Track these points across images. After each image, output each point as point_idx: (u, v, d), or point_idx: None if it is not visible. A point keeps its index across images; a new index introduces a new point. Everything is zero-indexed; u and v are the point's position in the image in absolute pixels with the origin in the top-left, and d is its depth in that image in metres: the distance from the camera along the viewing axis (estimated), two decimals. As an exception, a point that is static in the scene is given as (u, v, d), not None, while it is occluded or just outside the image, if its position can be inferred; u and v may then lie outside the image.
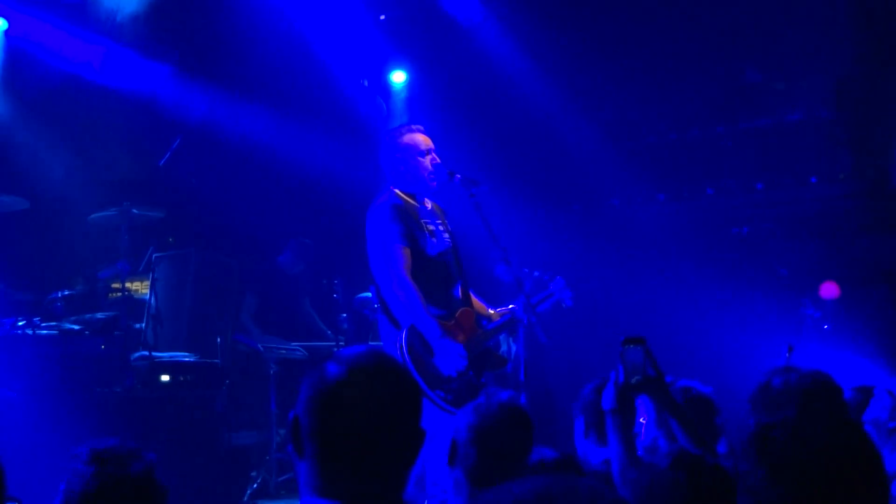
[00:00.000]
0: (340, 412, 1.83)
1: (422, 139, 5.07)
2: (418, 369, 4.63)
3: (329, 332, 8.12)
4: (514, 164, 8.94)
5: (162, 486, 2.62)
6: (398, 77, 9.02)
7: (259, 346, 7.25)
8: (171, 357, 6.84)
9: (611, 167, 9.49)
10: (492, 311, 5.21)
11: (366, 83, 8.88)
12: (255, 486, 7.00)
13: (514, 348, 5.05)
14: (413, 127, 5.16)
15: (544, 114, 9.08)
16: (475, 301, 5.19)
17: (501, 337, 5.27)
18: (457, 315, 4.95)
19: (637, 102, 9.53)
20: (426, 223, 5.01)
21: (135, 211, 7.08)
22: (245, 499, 6.84)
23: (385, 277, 4.85)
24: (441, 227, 5.13)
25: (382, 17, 8.67)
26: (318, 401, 1.85)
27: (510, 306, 5.08)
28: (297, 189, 8.87)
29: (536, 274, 5.66)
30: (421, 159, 5.01)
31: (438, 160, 5.04)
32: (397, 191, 5.04)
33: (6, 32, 7.43)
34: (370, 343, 6.89)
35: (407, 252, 4.84)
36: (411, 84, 9.04)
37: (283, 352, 7.29)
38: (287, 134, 8.64)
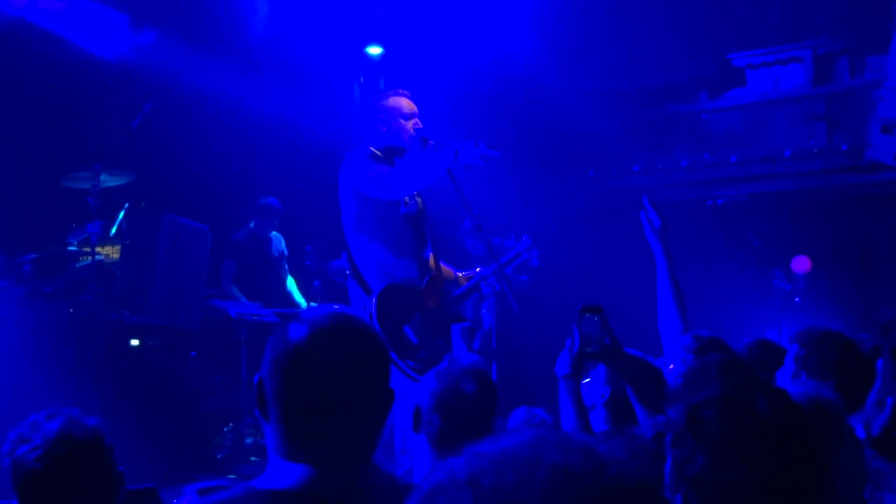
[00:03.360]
0: (303, 374, 1.81)
1: (406, 103, 5.09)
2: (389, 337, 4.61)
3: (303, 301, 8.12)
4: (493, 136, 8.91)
5: (107, 446, 2.61)
6: (374, 50, 8.97)
7: (231, 311, 7.22)
8: (141, 321, 6.79)
9: (588, 139, 9.51)
10: (459, 275, 5.22)
11: (361, 80, 8.84)
12: (225, 450, 7.00)
13: (485, 316, 5.06)
14: (400, 91, 5.16)
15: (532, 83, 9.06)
16: (443, 267, 5.19)
17: (474, 304, 5.28)
18: (427, 280, 4.94)
19: (614, 74, 9.54)
20: None
21: (105, 175, 7.02)
22: (215, 463, 6.83)
23: (378, 181, 4.81)
24: None
25: None
26: (281, 363, 1.83)
27: (477, 269, 5.09)
28: (271, 153, 8.83)
29: (509, 243, 5.66)
30: (403, 122, 5.02)
31: (421, 125, 5.04)
32: (372, 148, 5.03)
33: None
34: (337, 305, 6.87)
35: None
36: (387, 57, 8.99)
37: (256, 317, 7.26)
38: (262, 98, 8.57)
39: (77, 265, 6.92)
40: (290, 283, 8.34)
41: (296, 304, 8.09)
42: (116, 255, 7.16)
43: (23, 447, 2.52)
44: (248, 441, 6.98)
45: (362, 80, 8.91)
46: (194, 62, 8.19)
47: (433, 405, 2.85)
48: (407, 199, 5.01)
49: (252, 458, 6.84)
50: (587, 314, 3.01)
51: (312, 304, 7.72)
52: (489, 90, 9.09)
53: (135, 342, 6.65)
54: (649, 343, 3.40)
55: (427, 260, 5.03)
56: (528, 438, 0.95)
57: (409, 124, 5.03)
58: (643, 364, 3.15)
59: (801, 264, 8.33)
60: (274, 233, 8.28)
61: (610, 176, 9.64)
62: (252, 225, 8.20)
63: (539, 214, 8.61)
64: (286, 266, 8.35)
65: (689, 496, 1.68)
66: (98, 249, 6.88)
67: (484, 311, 5.01)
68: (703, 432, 1.70)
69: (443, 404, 2.83)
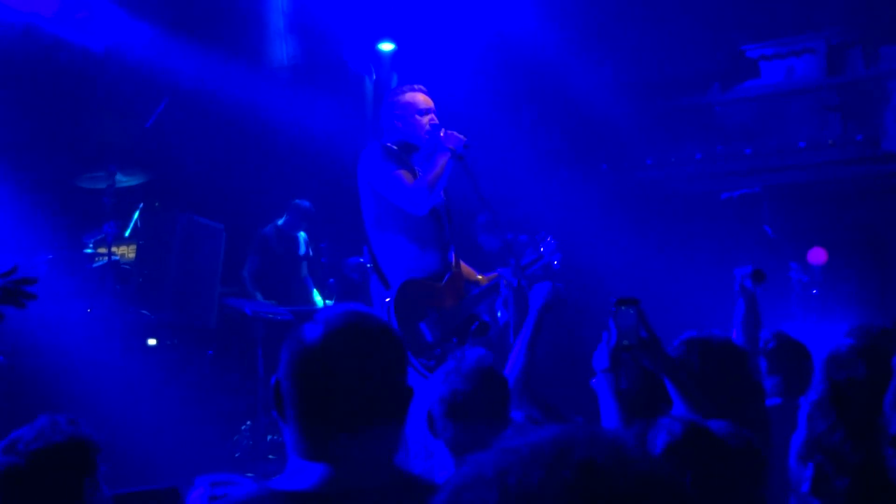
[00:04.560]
0: (319, 375, 1.80)
1: (422, 98, 5.04)
2: (404, 333, 4.57)
3: (319, 299, 8.13)
4: (506, 129, 8.89)
5: (91, 447, 2.60)
6: (387, 46, 8.95)
7: (247, 309, 7.23)
8: (157, 319, 6.80)
9: (600, 133, 9.46)
10: (479, 277, 5.17)
11: (374, 76, 8.83)
12: (243, 449, 6.99)
13: (501, 315, 5.00)
14: (415, 87, 5.12)
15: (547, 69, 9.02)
16: (463, 266, 5.15)
17: (491, 303, 5.22)
18: (447, 278, 4.91)
19: (626, 66, 9.50)
20: (419, 173, 4.98)
21: (121, 175, 7.04)
22: (233, 461, 6.83)
23: (400, 197, 4.80)
24: None
25: None
26: (297, 364, 1.83)
27: (497, 272, 5.03)
28: (285, 151, 8.83)
29: (523, 238, 5.61)
30: (419, 117, 4.98)
31: (437, 121, 5.01)
32: (389, 143, 5.02)
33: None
34: (354, 304, 6.87)
35: (406, 174, 4.81)
36: (400, 52, 8.97)
37: (271, 315, 7.26)
38: (275, 95, 8.57)
39: (93, 265, 6.93)
40: (309, 283, 8.34)
41: (313, 304, 8.08)
42: (132, 255, 7.18)
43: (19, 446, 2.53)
44: (268, 439, 6.98)
45: (375, 76, 8.89)
46: (208, 62, 8.19)
47: (444, 411, 2.81)
48: None
49: (270, 457, 6.83)
50: (623, 307, 2.98)
51: (328, 302, 7.71)
52: (500, 84, 9.04)
53: (152, 341, 6.66)
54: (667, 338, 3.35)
55: (449, 256, 5.00)
56: (555, 435, 0.93)
57: (425, 120, 4.99)
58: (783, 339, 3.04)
59: (818, 256, 8.27)
60: (302, 233, 8.29)
61: (623, 169, 9.59)
62: (281, 222, 8.23)
63: (553, 209, 8.57)
64: (307, 267, 8.36)
65: (824, 464, 1.74)
66: (114, 249, 6.90)
67: (499, 307, 4.97)
68: (847, 409, 1.78)
69: (454, 409, 2.80)
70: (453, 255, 5.03)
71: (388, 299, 4.67)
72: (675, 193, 9.22)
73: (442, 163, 4.72)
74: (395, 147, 4.99)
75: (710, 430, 2.39)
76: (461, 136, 4.75)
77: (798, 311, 7.66)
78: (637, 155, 9.57)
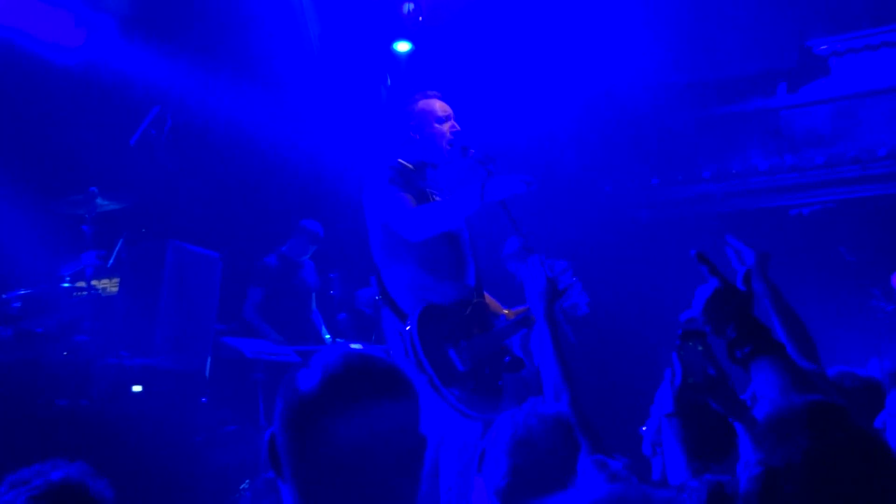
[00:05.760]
0: (316, 428, 1.79)
1: (439, 105, 5.05)
2: (432, 362, 4.50)
3: (327, 336, 8.09)
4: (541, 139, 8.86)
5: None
6: (402, 47, 8.94)
7: (246, 350, 7.19)
8: (144, 364, 6.76)
9: (651, 142, 9.41)
10: (506, 311, 5.09)
11: (389, 82, 8.85)
12: (242, 510, 6.95)
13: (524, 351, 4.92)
14: (429, 93, 5.11)
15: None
16: (488, 298, 5.08)
17: (524, 339, 5.15)
18: (471, 308, 4.84)
19: (680, 65, 9.46)
20: (432, 194, 4.98)
21: (102, 199, 7.05)
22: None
23: (404, 226, 4.74)
24: None
25: None
26: (292, 416, 1.82)
27: (527, 306, 4.94)
28: (286, 174, 8.84)
29: (562, 264, 5.54)
30: (438, 126, 4.98)
31: (458, 127, 4.99)
32: (402, 160, 4.98)
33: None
34: (353, 343, 6.84)
35: (410, 199, 4.78)
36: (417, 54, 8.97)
37: (274, 356, 7.22)
38: (274, 114, 8.60)
39: (71, 302, 6.91)
40: (317, 318, 8.31)
41: (322, 342, 8.05)
42: (115, 289, 7.17)
43: (21, 487, 2.61)
44: (268, 500, 6.92)
45: (389, 82, 8.89)
46: (202, 76, 8.23)
47: (507, 450, 2.86)
48: None
49: (272, 517, 6.77)
50: (689, 342, 2.93)
51: (339, 340, 7.66)
52: (534, 87, 9.01)
53: (137, 388, 6.61)
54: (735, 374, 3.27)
55: (471, 284, 4.93)
56: (605, 496, 0.89)
57: (446, 127, 4.98)
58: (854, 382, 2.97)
59: (904, 280, 8.15)
60: (310, 261, 8.27)
61: (676, 183, 9.53)
62: (285, 248, 8.21)
63: (595, 230, 8.50)
64: (314, 299, 8.34)
65: None
66: (94, 283, 6.88)
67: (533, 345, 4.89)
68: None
69: (518, 452, 2.84)
70: (475, 280, 4.97)
71: (408, 327, 4.59)
72: (736, 210, 9.14)
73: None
74: (410, 166, 4.95)
75: None
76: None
77: (881, 345, 7.52)
78: (692, 167, 9.52)
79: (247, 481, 7.02)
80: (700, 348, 2.93)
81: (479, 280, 5.04)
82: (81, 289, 6.95)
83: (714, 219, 9.11)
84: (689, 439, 3.05)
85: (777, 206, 9.12)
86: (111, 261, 7.35)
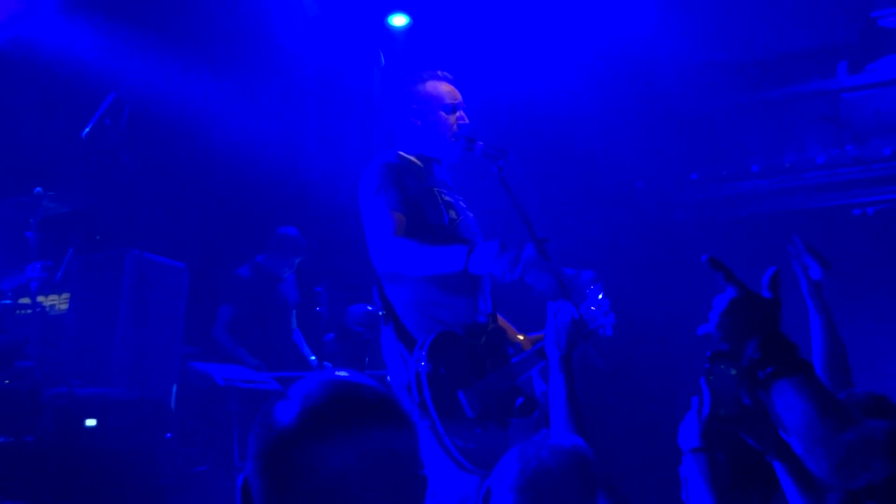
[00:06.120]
0: (295, 470, 1.75)
1: (448, 90, 5.05)
2: (437, 406, 4.45)
3: (313, 358, 8.10)
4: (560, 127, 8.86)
5: None
6: (398, 21, 8.96)
7: (217, 376, 7.20)
8: (98, 393, 6.77)
9: (688, 131, 9.42)
10: (521, 336, 5.05)
11: (382, 58, 8.87)
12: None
13: (538, 388, 4.89)
14: (439, 73, 5.10)
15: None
16: (501, 320, 5.05)
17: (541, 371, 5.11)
18: (487, 334, 4.83)
19: (723, 42, 9.47)
20: (442, 193, 4.93)
21: (49, 201, 7.06)
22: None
23: (377, 255, 4.73)
24: (464, 205, 5.07)
25: None
26: (268, 456, 1.79)
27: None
28: (265, 172, 8.84)
29: (588, 275, 5.53)
30: (445, 115, 4.98)
31: (467, 120, 4.99)
32: (402, 153, 4.98)
33: None
34: (342, 371, 6.84)
35: (400, 218, 4.72)
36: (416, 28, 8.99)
37: (249, 384, 7.23)
38: (251, 104, 8.62)
39: (13, 321, 6.92)
40: (300, 338, 8.32)
41: (306, 366, 8.05)
42: (64, 307, 7.18)
43: None
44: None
45: (383, 60, 8.90)
46: (166, 57, 8.25)
47: (515, 489, 2.87)
48: (454, 214, 4.91)
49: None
50: (720, 365, 2.90)
51: (326, 364, 7.67)
52: (550, 69, 9.00)
53: (91, 422, 6.61)
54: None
55: (483, 304, 4.91)
56: None
57: (453, 119, 4.97)
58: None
59: None
60: (289, 274, 8.27)
61: (719, 179, 9.53)
62: (261, 258, 8.23)
63: (625, 233, 8.50)
64: (294, 317, 8.35)
65: None
66: (40, 299, 6.89)
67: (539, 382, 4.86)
68: None
69: (527, 493, 2.86)
70: (490, 297, 4.95)
71: (421, 362, 4.55)
72: (791, 209, 9.13)
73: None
74: (413, 160, 4.94)
75: None
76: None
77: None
78: (738, 160, 9.52)
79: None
80: (733, 372, 2.91)
81: (494, 297, 5.03)
82: (25, 306, 6.96)
83: (763, 220, 9.10)
84: (719, 480, 3.03)
85: (837, 206, 9.11)
86: (60, 273, 7.36)
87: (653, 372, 7.77)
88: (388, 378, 4.80)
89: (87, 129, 7.79)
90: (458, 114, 5.00)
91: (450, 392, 4.57)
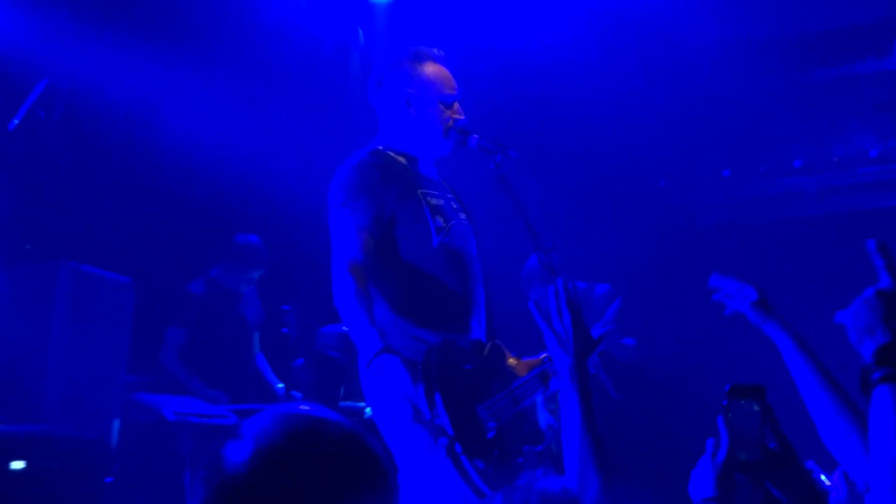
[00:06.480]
0: None
1: (447, 79, 5.07)
2: (455, 422, 4.41)
3: (280, 386, 8.09)
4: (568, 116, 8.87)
5: None
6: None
7: (166, 410, 7.19)
8: (27, 431, 6.75)
9: (721, 121, 9.43)
10: (512, 360, 5.03)
11: (361, 37, 8.91)
12: None
13: (543, 418, 4.89)
14: (435, 52, 5.10)
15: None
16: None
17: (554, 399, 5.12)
18: (484, 359, 4.81)
19: (763, 18, 9.50)
20: (429, 196, 4.91)
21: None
22: None
23: (333, 280, 4.69)
24: (456, 206, 5.05)
25: None
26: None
27: (544, 355, 4.90)
28: (222, 173, 8.86)
29: (602, 289, 5.53)
30: (442, 106, 4.98)
31: (463, 117, 5.03)
32: (383, 148, 4.98)
33: None
34: (304, 404, 6.84)
35: (366, 240, 4.69)
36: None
37: (203, 419, 7.22)
38: (207, 93, 8.63)
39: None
40: (263, 364, 8.32)
41: (270, 397, 8.05)
42: (-13, 327, 7.18)
43: None
44: None
45: (362, 38, 8.92)
46: (107, 38, 8.26)
47: None
48: (443, 220, 4.90)
49: None
50: (741, 400, 2.88)
51: (295, 394, 7.66)
52: (558, 47, 9.01)
53: (18, 464, 6.59)
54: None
55: (476, 322, 4.89)
56: None
57: (450, 113, 4.96)
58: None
59: None
60: (249, 289, 8.27)
61: (756, 176, 9.55)
62: (215, 273, 8.25)
63: (647, 242, 8.51)
64: (257, 339, 8.35)
65: None
66: (-41, 319, 6.88)
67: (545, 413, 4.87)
68: None
69: None
70: (486, 312, 4.94)
71: (431, 372, 4.52)
72: (841, 210, 9.14)
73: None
74: (396, 156, 4.93)
75: None
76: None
77: None
78: (779, 154, 9.54)
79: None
80: (756, 409, 2.88)
81: (490, 314, 5.02)
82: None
83: (807, 224, 9.12)
84: None
85: (893, 206, 9.13)
86: (-18, 289, 7.37)
87: (675, 406, 7.75)
88: (372, 410, 4.77)
89: (16, 121, 7.80)
90: (454, 107, 5.02)
91: (467, 407, 4.56)
